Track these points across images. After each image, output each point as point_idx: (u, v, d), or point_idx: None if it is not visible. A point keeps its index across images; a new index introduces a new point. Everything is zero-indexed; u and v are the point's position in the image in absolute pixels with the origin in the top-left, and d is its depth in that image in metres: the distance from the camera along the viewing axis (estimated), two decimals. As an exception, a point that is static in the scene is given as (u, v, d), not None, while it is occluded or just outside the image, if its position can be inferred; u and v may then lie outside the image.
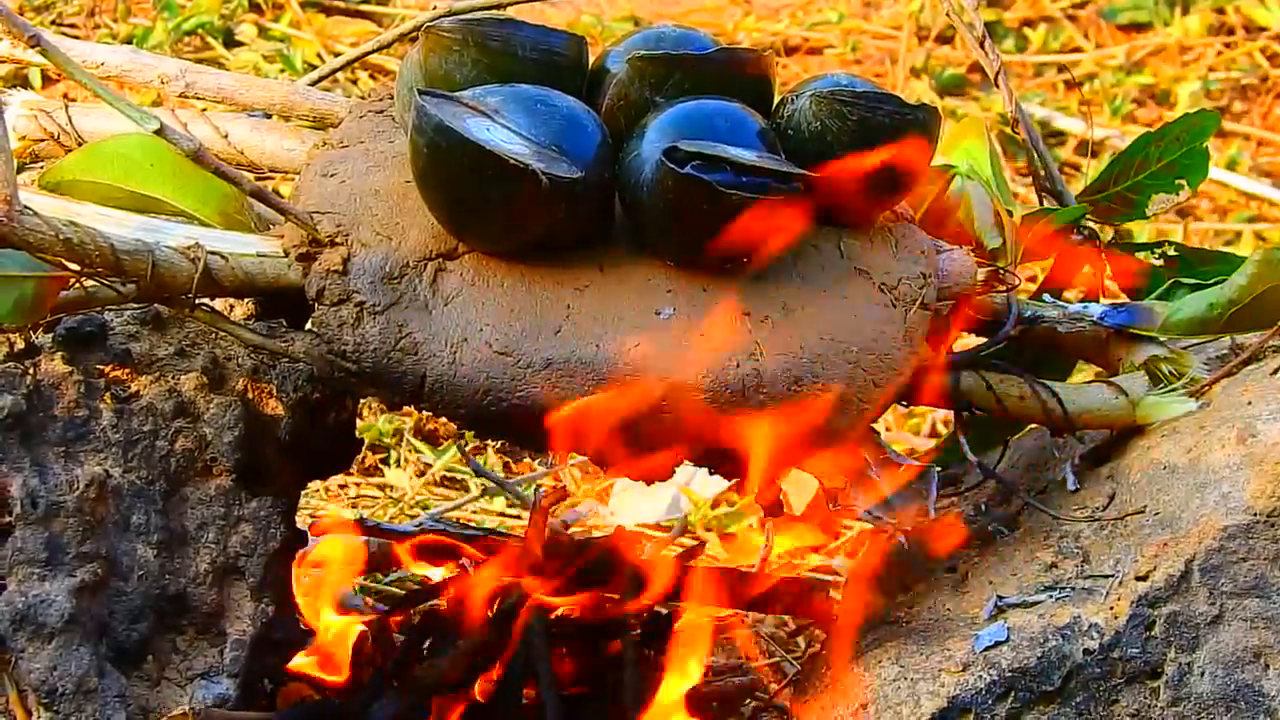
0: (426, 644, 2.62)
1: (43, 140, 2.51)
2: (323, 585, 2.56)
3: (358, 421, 2.46)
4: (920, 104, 2.21)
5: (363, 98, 2.44)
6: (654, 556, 2.61)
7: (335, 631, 2.51)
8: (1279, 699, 2.07)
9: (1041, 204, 2.57)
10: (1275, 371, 2.23)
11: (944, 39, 5.29)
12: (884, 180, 2.18)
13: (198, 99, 2.58)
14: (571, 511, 3.32)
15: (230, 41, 4.77)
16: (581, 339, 2.07)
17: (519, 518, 3.34)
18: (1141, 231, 4.16)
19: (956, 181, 2.49)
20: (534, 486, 3.35)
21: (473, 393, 2.07)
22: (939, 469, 2.52)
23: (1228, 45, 5.31)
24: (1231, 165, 4.89)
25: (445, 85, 2.17)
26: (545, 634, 2.43)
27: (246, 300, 2.31)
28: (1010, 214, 2.44)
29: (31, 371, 2.12)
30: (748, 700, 2.68)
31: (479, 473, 3.38)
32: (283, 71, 4.55)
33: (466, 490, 3.47)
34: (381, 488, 3.46)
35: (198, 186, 2.21)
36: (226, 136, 2.46)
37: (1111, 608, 2.10)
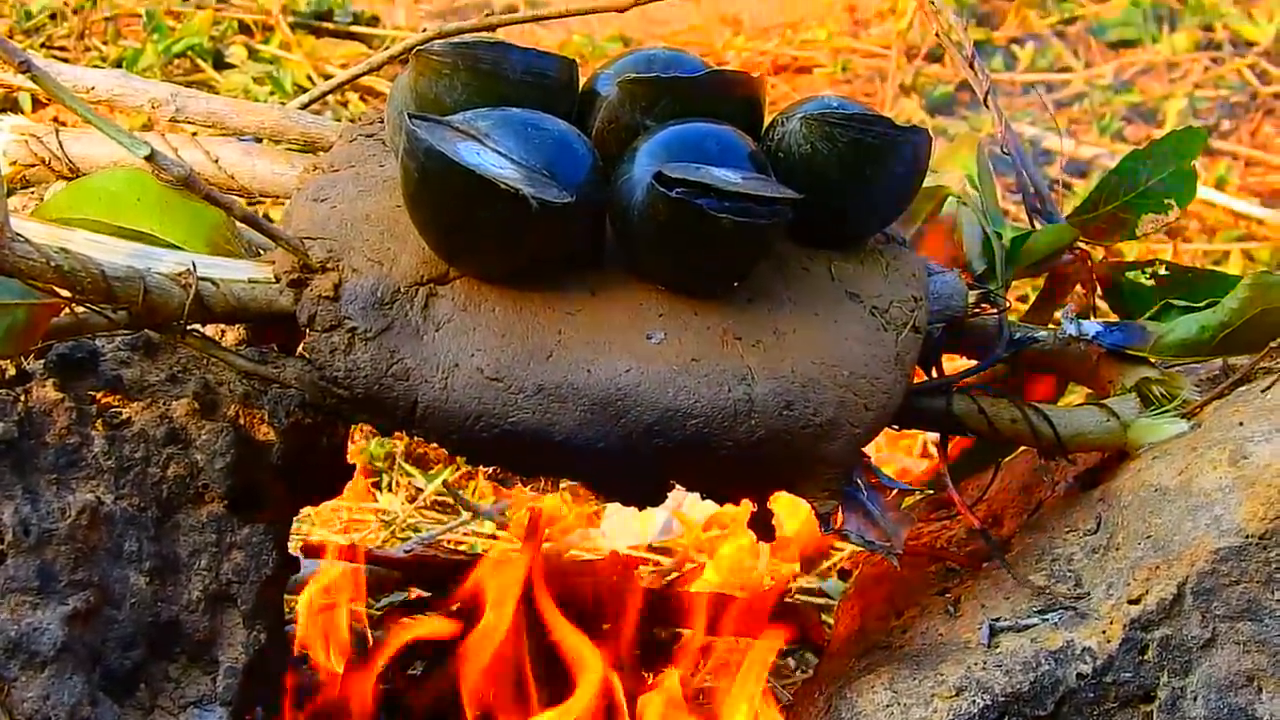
0: (420, 669, 2.62)
1: (33, 165, 2.51)
2: (330, 623, 2.56)
3: (349, 445, 2.46)
4: (911, 125, 2.21)
5: (353, 121, 2.43)
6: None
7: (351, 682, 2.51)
8: (1272, 723, 2.07)
9: (1032, 224, 2.57)
10: (1267, 390, 2.23)
11: (933, 57, 5.30)
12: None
13: (188, 123, 2.58)
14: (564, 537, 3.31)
15: (220, 63, 4.77)
16: (573, 364, 2.06)
17: (510, 542, 3.34)
18: (1131, 251, 4.17)
19: (949, 201, 2.49)
20: (525, 510, 3.35)
21: (464, 418, 2.06)
22: (931, 492, 2.52)
23: (1215, 61, 5.32)
24: (1220, 184, 4.89)
25: (435, 109, 2.17)
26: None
27: (238, 326, 2.30)
28: (1000, 236, 2.44)
29: (23, 399, 2.12)
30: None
31: (463, 505, 3.38)
32: (273, 93, 4.56)
33: (457, 514, 3.47)
34: (374, 512, 3.46)
35: (185, 219, 2.20)
36: (217, 161, 2.46)
37: (1104, 631, 2.09)
